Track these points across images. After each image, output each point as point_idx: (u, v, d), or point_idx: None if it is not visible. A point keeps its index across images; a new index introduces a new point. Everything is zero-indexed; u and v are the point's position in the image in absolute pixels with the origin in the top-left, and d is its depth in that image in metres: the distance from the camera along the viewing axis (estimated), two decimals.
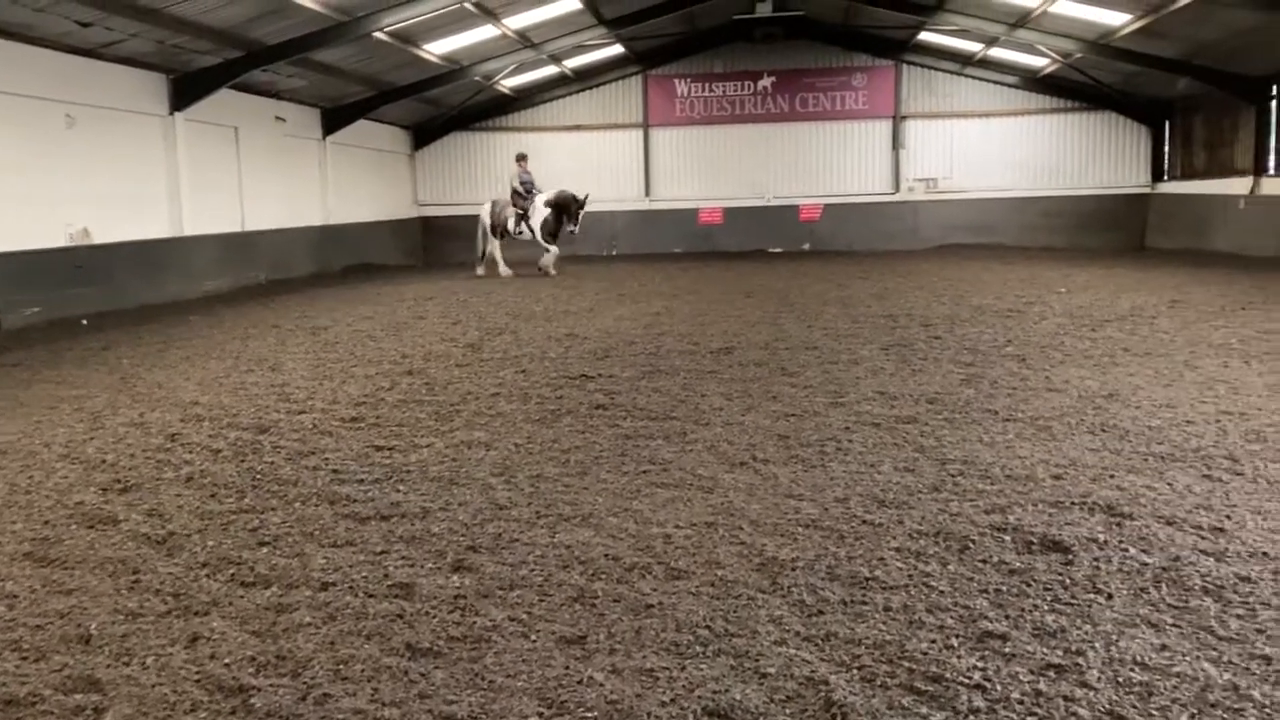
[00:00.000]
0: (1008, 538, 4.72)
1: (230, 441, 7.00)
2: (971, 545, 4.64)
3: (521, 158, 22.18)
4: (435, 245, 28.78)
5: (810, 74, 28.43)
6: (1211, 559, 4.41)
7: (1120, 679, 3.35)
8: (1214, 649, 3.57)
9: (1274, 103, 22.31)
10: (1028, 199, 27.81)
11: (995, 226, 27.82)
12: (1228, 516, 4.96)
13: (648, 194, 29.15)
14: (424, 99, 25.45)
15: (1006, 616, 3.86)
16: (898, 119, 28.35)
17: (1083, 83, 26.27)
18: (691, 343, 11.15)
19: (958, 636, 3.70)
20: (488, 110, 28.74)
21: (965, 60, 27.31)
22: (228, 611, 4.10)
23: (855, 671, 3.45)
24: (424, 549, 4.78)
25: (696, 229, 28.88)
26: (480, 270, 21.99)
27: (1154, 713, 3.14)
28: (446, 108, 27.34)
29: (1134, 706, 3.17)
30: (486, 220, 21.80)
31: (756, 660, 3.55)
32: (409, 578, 4.41)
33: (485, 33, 21.47)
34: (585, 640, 3.76)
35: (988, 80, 27.91)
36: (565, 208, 20.92)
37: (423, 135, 29.01)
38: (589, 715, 3.22)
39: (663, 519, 5.12)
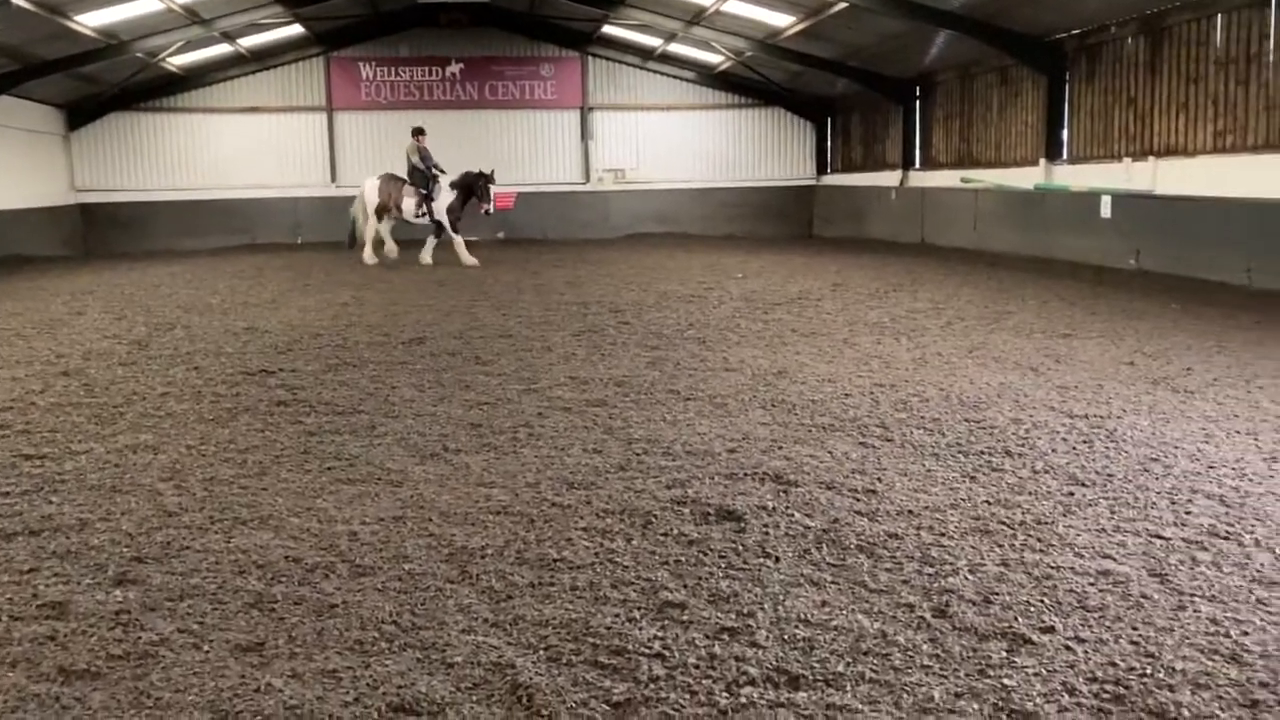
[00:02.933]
0: (687, 510, 4.94)
1: None
2: (654, 520, 4.82)
3: (419, 132, 19.91)
4: (97, 235, 26.44)
5: (499, 62, 28.44)
6: (865, 519, 4.82)
7: (786, 636, 3.59)
8: (867, 601, 3.90)
9: (918, 103, 24.63)
10: (708, 190, 29.17)
11: (679, 216, 28.98)
12: (879, 479, 5.43)
13: (333, 180, 28.13)
14: (79, 75, 23.19)
15: (685, 586, 4.05)
16: (586, 110, 28.91)
17: (754, 80, 27.88)
18: (381, 333, 10.89)
19: (640, 609, 3.83)
20: (154, 89, 26.65)
21: (647, 54, 28.26)
22: None
23: (542, 652, 3.50)
24: (81, 563, 4.39)
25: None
26: (368, 256, 19.80)
27: (815, 665, 3.38)
28: (106, 85, 25.10)
29: (798, 661, 3.41)
30: (372, 198, 19.70)
31: (444, 651, 3.52)
32: (63, 595, 4.04)
33: (147, 5, 19.87)
34: (263, 646, 3.58)
35: (669, 75, 29.00)
36: (470, 188, 19.28)
37: (79, 115, 26.46)
38: None
39: (348, 516, 4.97)
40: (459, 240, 19.28)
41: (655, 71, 28.92)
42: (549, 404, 7.37)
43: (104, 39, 21.12)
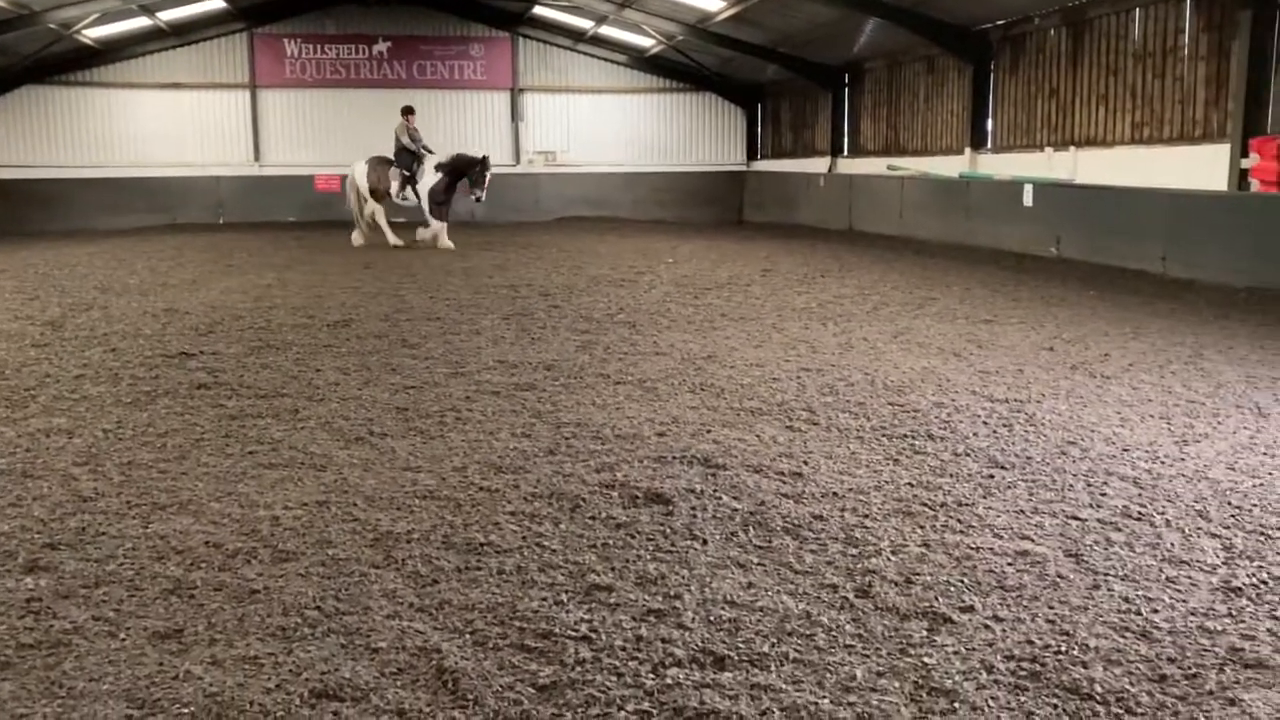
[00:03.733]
0: (615, 494, 4.94)
1: None
2: (583, 503, 4.81)
3: (408, 111, 19.31)
4: (10, 212, 25.53)
5: (427, 41, 28.08)
6: (791, 501, 4.87)
7: (712, 618, 3.62)
8: (791, 582, 3.94)
9: (847, 90, 24.87)
10: (639, 174, 29.16)
11: (611, 200, 28.93)
12: (805, 462, 5.49)
13: (257, 159, 27.58)
14: None
15: (613, 568, 4.05)
16: (516, 91, 28.69)
17: (685, 64, 27.90)
18: (306, 316, 10.71)
19: (567, 592, 3.83)
20: (69, 63, 25.82)
21: (579, 36, 28.12)
22: None
23: (468, 637, 3.48)
24: None
25: (313, 197, 27.62)
26: (358, 238, 19.16)
27: (740, 645, 3.41)
28: (17, 58, 24.27)
29: (723, 642, 3.43)
30: (361, 181, 19.02)
31: (368, 636, 3.48)
32: None
33: None
34: (182, 633, 3.51)
35: (601, 58, 28.88)
36: (462, 172, 18.48)
37: None
38: (184, 711, 3.01)
39: (270, 501, 4.89)
40: (438, 226, 18.68)
41: (587, 54, 28.78)
42: (477, 388, 7.32)
43: (15, 9, 20.39)
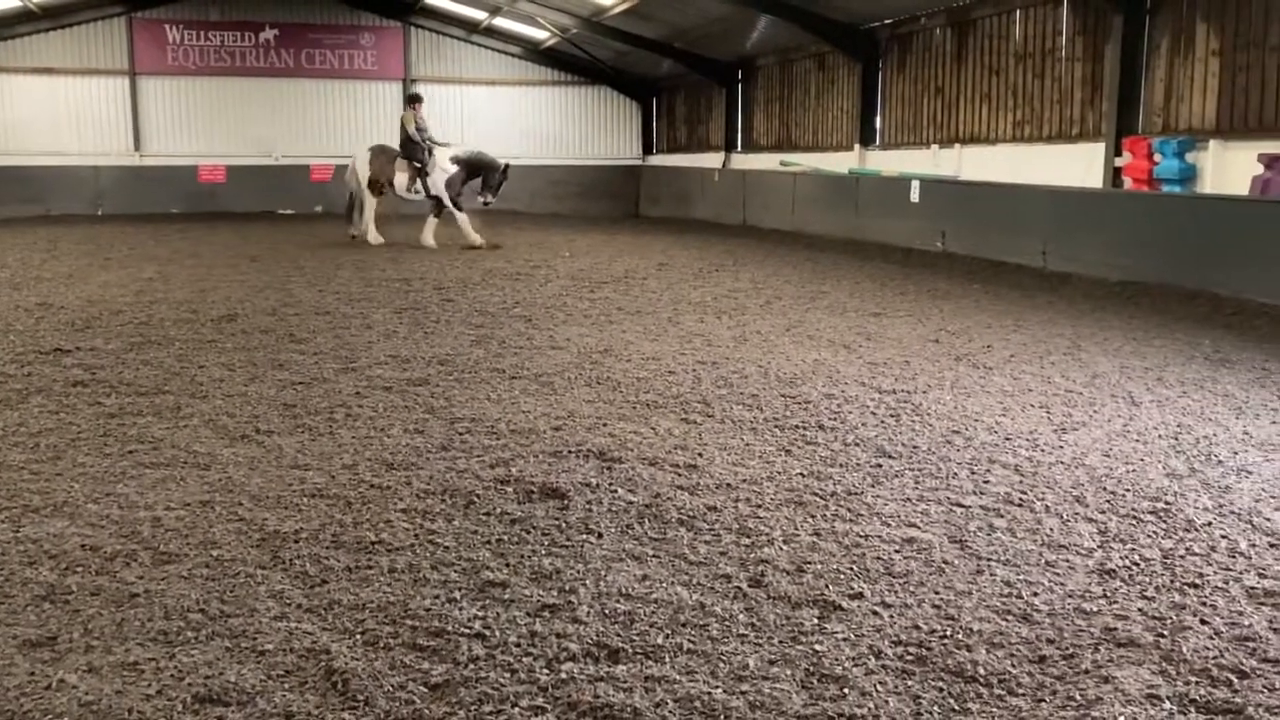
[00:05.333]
0: (510, 489, 4.91)
1: None
2: (477, 499, 4.77)
3: (415, 100, 17.90)
4: None
5: (316, 29, 27.47)
6: (686, 493, 4.90)
7: (607, 611, 3.62)
8: (686, 574, 3.96)
9: (741, 86, 25.13)
10: (536, 167, 28.94)
11: (506, 193, 28.33)
12: (700, 454, 5.53)
13: (138, 149, 26.64)
14: None
15: (507, 564, 4.02)
16: (408, 82, 28.24)
17: (581, 58, 27.85)
18: (189, 310, 10.39)
19: (461, 589, 3.79)
20: None
21: (472, 27, 27.83)
22: None
23: (358, 637, 3.41)
24: None
25: (197, 188, 26.81)
26: (355, 231, 17.82)
27: (635, 638, 3.42)
28: None
29: (618, 635, 3.44)
30: (364, 172, 17.53)
31: (254, 638, 3.39)
32: None
33: None
34: (55, 640, 3.37)
35: (495, 49, 28.64)
36: (479, 172, 17.33)
37: None
38: None
39: (151, 501, 4.72)
40: (463, 217, 17.28)
41: (480, 45, 28.50)
42: (368, 383, 7.19)
43: None
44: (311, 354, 8.23)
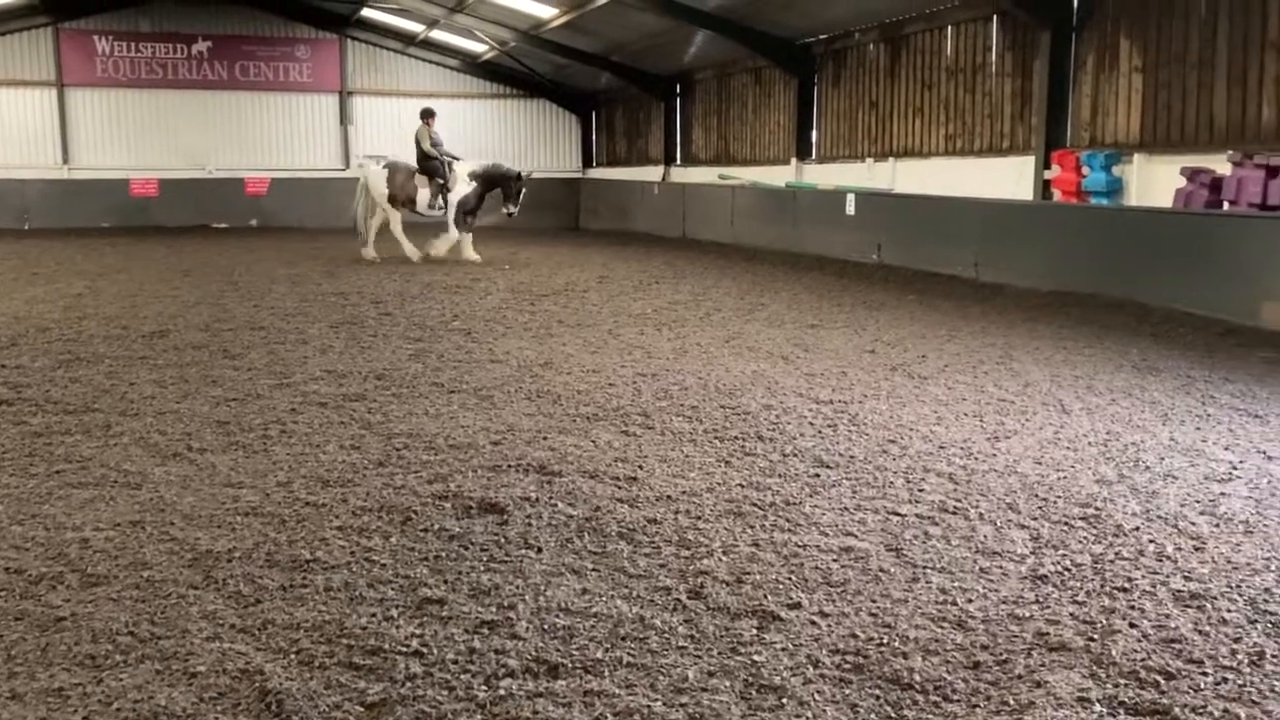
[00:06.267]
0: (449, 505, 4.87)
1: None
2: (414, 516, 4.72)
3: (429, 115, 17.33)
4: None
5: (250, 41, 27.14)
6: (626, 506, 4.90)
7: (546, 626, 3.60)
8: (626, 587, 3.96)
9: (679, 100, 25.28)
10: None
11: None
12: (640, 467, 5.53)
13: (66, 161, 26.08)
14: None
15: (445, 581, 3.99)
16: (345, 94, 28.04)
17: (520, 71, 27.83)
18: (120, 326, 10.18)
19: (398, 607, 3.75)
20: None
21: (409, 40, 27.68)
22: None
23: (293, 656, 3.36)
24: None
25: (128, 202, 26.31)
26: (371, 252, 16.95)
27: (574, 653, 3.40)
28: None
29: (558, 650, 3.42)
30: (380, 188, 16.87)
31: (186, 660, 3.33)
32: None
33: None
34: None
35: (433, 62, 28.51)
36: (497, 184, 16.93)
37: None
38: None
39: (79, 522, 4.61)
40: (454, 236, 17.01)
41: (418, 58, 28.36)
42: (303, 399, 7.10)
43: None
44: (245, 370, 8.10)
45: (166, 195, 26.61)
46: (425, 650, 3.41)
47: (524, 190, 17.30)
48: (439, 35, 26.48)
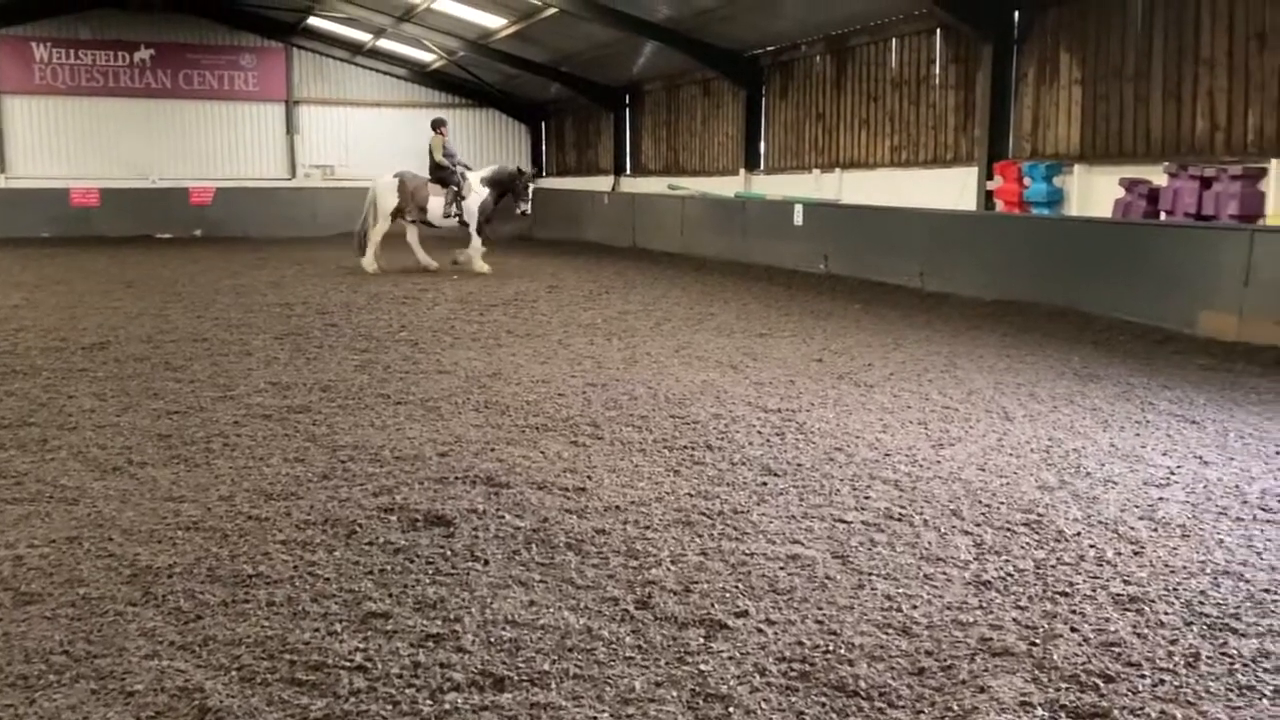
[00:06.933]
0: (394, 518, 4.82)
1: None
2: (359, 529, 4.67)
3: (441, 124, 17.23)
4: None
5: (194, 50, 26.81)
6: (575, 516, 4.88)
7: (493, 639, 3.58)
8: (573, 598, 3.95)
9: (628, 110, 25.34)
10: None
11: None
12: (589, 477, 5.52)
13: (2, 170, 25.55)
14: None
15: (390, 595, 3.95)
16: (290, 104, 27.77)
17: (468, 81, 27.74)
18: (58, 339, 9.98)
19: (341, 621, 3.70)
20: None
21: (356, 49, 27.51)
22: None
23: (234, 673, 3.31)
24: None
25: (69, 212, 25.82)
26: (376, 262, 16.72)
27: (521, 665, 3.39)
28: None
29: (504, 663, 3.40)
30: (390, 200, 16.62)
31: (123, 679, 3.26)
32: None
33: None
34: None
35: (380, 71, 28.36)
36: (508, 186, 16.79)
37: None
38: None
39: (13, 539, 4.50)
40: (478, 244, 16.98)
41: (365, 67, 28.19)
42: (247, 411, 7.00)
43: None
44: (188, 382, 7.98)
45: (108, 205, 26.16)
46: (369, 665, 3.37)
47: (531, 186, 17.23)
48: (386, 44, 26.34)
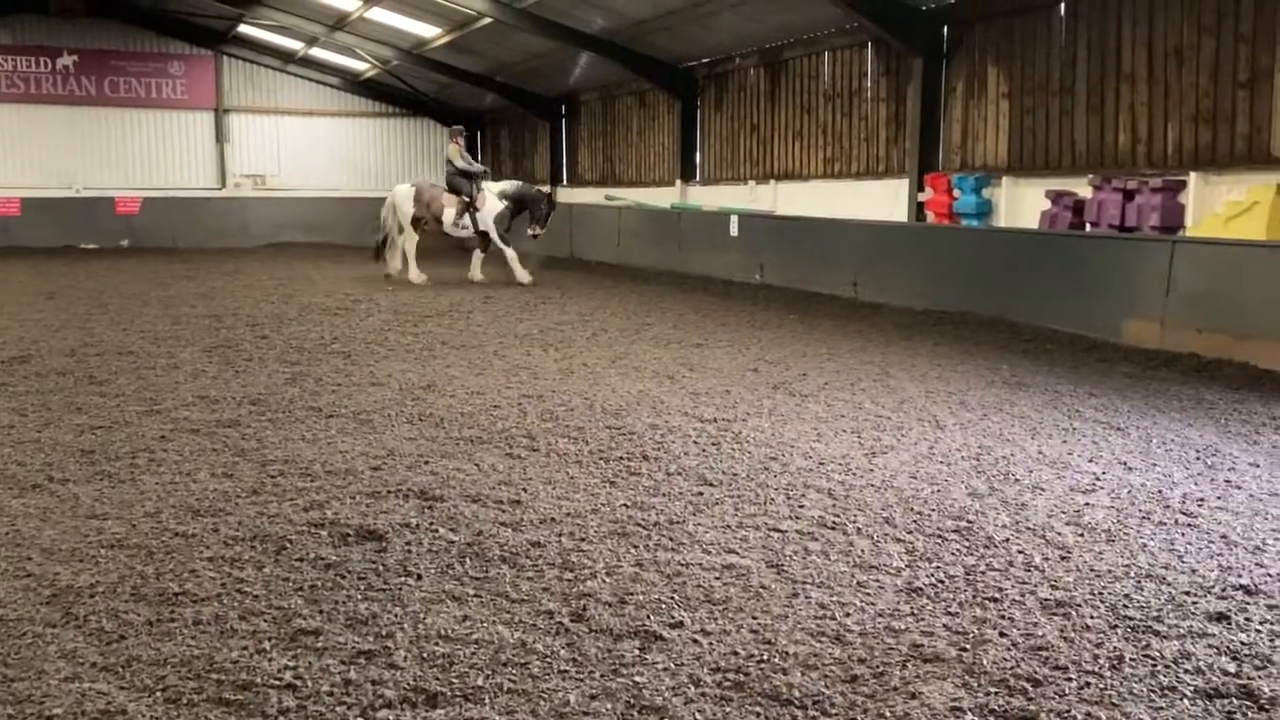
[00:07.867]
0: (325, 533, 4.75)
1: None
2: (289, 545, 4.59)
3: (458, 132, 17.20)
4: None
5: (120, 57, 26.26)
6: (510, 529, 4.85)
7: (425, 654, 3.53)
8: (508, 612, 3.92)
9: (564, 121, 25.33)
10: (356, 199, 28.35)
11: (326, 225, 27.93)
12: (524, 490, 5.49)
13: None
14: None
15: (320, 611, 3.88)
16: (220, 112, 27.34)
17: (402, 90, 27.53)
18: None
19: (270, 639, 3.63)
20: None
21: (288, 57, 27.17)
22: None
23: (159, 694, 3.23)
24: None
25: None
26: (394, 269, 16.72)
27: (454, 680, 3.35)
28: None
29: (436, 679, 3.36)
30: (408, 208, 16.48)
31: (41, 703, 3.16)
32: None
33: None
34: None
35: (312, 80, 28.03)
36: (526, 206, 16.69)
37: None
38: None
39: None
40: (511, 254, 16.76)
41: (297, 75, 27.85)
42: (174, 426, 6.85)
43: None
44: (113, 396, 7.79)
45: (30, 214, 25.49)
46: (299, 683, 3.31)
47: (551, 212, 17.28)
48: (319, 53, 26.04)
